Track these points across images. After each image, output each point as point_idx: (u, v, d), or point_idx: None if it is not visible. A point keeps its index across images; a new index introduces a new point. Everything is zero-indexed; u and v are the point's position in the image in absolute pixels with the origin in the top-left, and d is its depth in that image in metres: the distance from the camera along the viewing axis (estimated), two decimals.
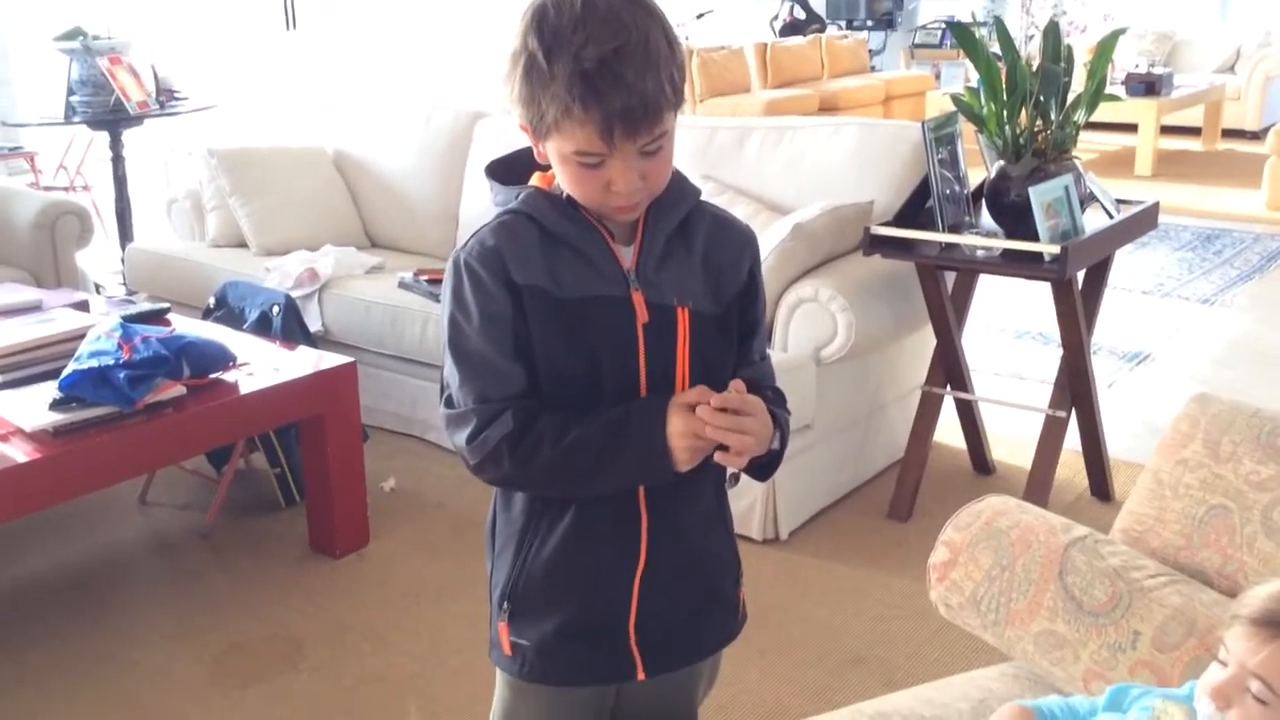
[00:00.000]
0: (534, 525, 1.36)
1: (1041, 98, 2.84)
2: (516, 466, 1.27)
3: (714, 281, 1.34)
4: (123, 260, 4.70)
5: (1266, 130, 7.56)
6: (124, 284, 4.74)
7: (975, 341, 4.13)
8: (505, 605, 1.40)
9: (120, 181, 5.14)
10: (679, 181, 1.33)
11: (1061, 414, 3.07)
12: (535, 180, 1.35)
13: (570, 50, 1.17)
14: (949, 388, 3.22)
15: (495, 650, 1.44)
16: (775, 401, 1.39)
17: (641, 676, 1.39)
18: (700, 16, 9.87)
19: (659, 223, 1.31)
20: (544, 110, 1.20)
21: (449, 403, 1.32)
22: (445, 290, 1.32)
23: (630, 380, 1.29)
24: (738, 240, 1.39)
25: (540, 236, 1.29)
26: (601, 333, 1.28)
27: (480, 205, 4.15)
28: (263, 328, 3.30)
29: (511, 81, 1.23)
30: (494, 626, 1.43)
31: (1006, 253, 2.84)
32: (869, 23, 11.54)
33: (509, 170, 1.38)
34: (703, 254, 1.35)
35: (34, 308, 3.23)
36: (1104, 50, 2.94)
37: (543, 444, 1.26)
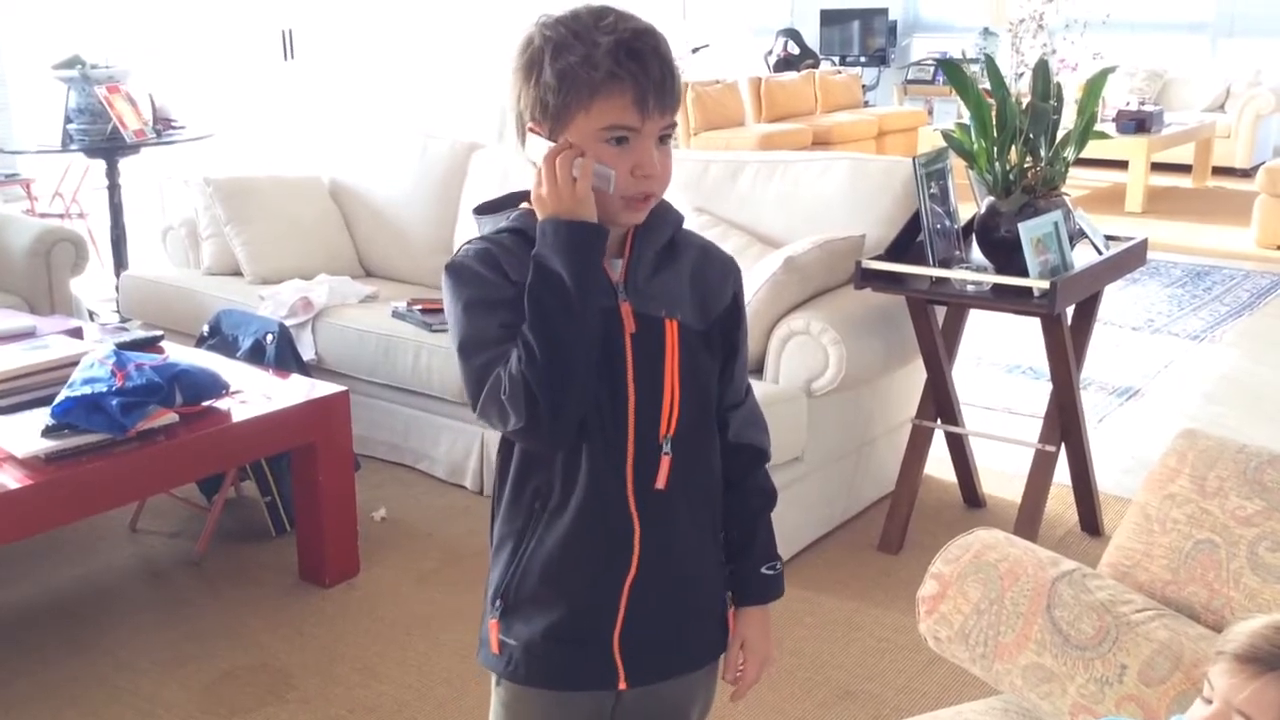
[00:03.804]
0: (533, 525, 1.37)
1: (1031, 134, 2.87)
2: (535, 380, 1.24)
3: (700, 299, 1.38)
4: (117, 288, 4.71)
5: (1256, 168, 7.63)
6: (118, 311, 4.74)
7: (965, 375, 4.15)
8: (498, 603, 1.40)
9: (116, 209, 5.15)
10: (664, 205, 1.37)
11: (1051, 448, 3.08)
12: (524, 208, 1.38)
13: (603, 28, 1.24)
14: (939, 421, 3.23)
15: (484, 649, 1.44)
16: (761, 506, 1.47)
17: (623, 686, 1.39)
18: (696, 51, 9.95)
19: (647, 238, 1.35)
20: (580, 83, 1.24)
21: (474, 404, 1.31)
22: (445, 300, 1.34)
23: (619, 388, 1.32)
24: (722, 265, 1.44)
25: (527, 252, 1.30)
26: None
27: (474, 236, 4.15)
28: (256, 356, 3.30)
29: (537, 68, 1.26)
30: (485, 624, 1.43)
31: (996, 287, 2.86)
32: (862, 58, 11.63)
33: (497, 211, 1.41)
34: (690, 274, 1.39)
35: (28, 334, 3.24)
36: (1094, 88, 2.97)
37: (528, 348, 1.24)
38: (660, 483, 1.34)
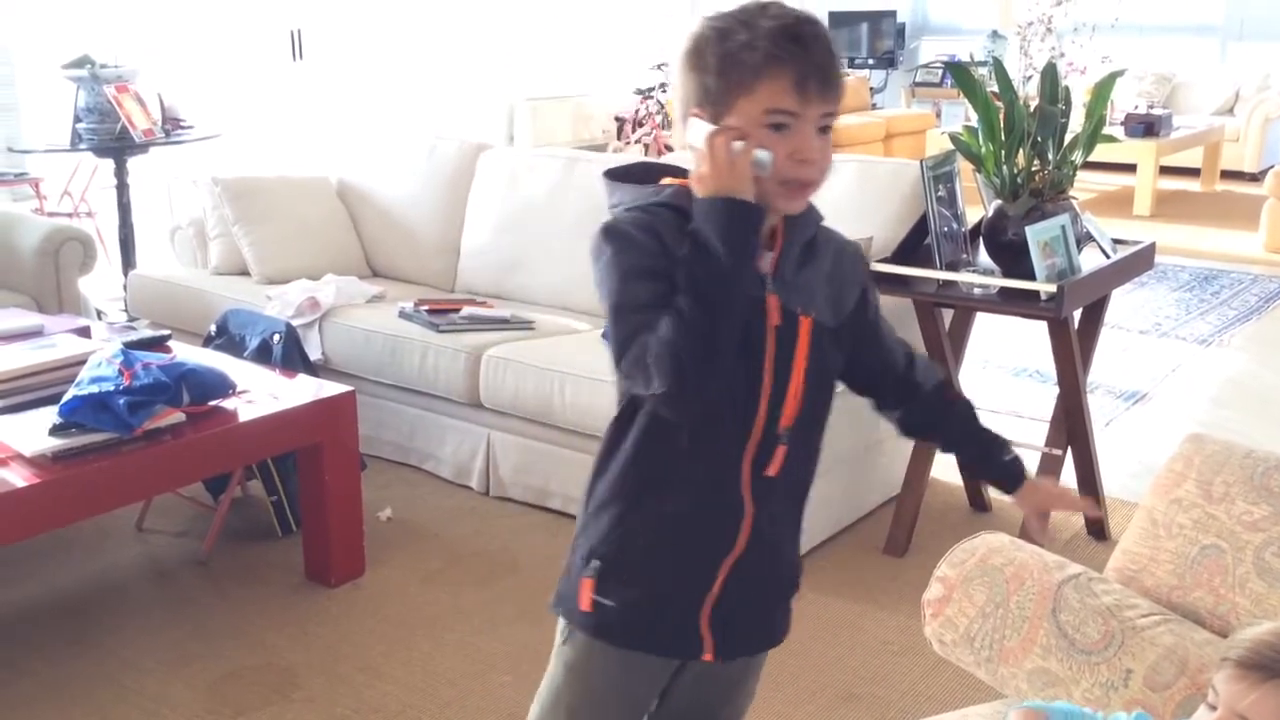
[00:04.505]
0: (646, 494, 1.40)
1: (1039, 138, 2.87)
2: (683, 348, 1.25)
3: (834, 296, 1.43)
4: (125, 287, 4.72)
5: (1265, 172, 7.61)
6: (126, 310, 4.75)
7: (972, 378, 4.15)
8: (594, 563, 1.42)
9: (124, 208, 5.16)
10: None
11: (1058, 452, 3.07)
12: (668, 182, 1.39)
13: (767, 15, 1.28)
14: None
15: (565, 604, 1.47)
16: (974, 413, 1.58)
17: (708, 657, 1.45)
18: None
19: (795, 233, 1.38)
20: (742, 65, 1.27)
21: (617, 364, 1.32)
22: (597, 259, 1.33)
23: (755, 377, 1.35)
24: (853, 262, 1.49)
25: (683, 229, 1.31)
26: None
27: (482, 237, 4.17)
28: (263, 356, 3.31)
29: (701, 55, 1.30)
30: (572, 580, 1.46)
31: (1003, 291, 2.86)
32: (870, 61, 11.62)
33: (627, 178, 1.42)
34: (828, 271, 1.42)
35: (36, 333, 3.24)
36: (1102, 92, 2.97)
37: (679, 316, 1.25)
38: (773, 470, 1.39)
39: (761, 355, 1.35)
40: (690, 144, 1.33)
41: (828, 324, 1.40)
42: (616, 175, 1.42)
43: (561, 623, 1.50)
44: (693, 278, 1.26)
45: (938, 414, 1.58)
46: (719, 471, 1.38)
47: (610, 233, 1.33)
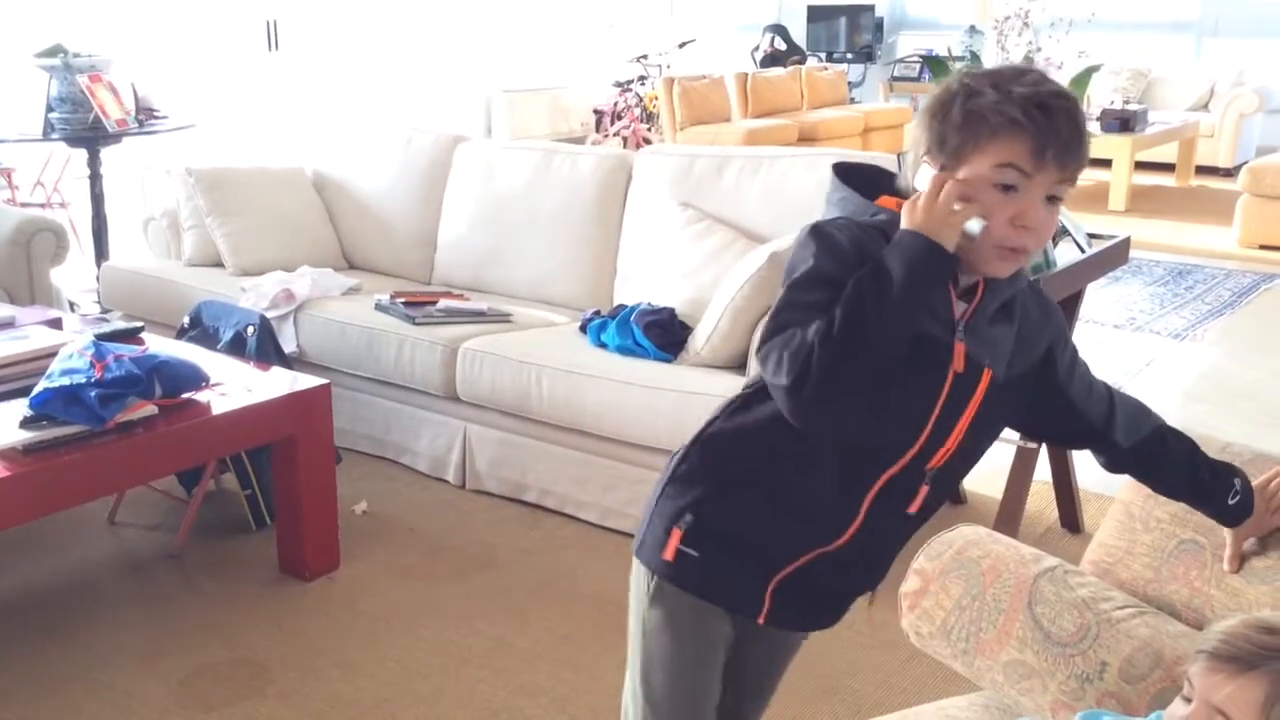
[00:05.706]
0: (765, 475, 1.43)
1: None
2: (819, 353, 1.26)
3: (1018, 354, 1.44)
4: (98, 278, 4.68)
5: (1239, 168, 7.66)
6: (98, 302, 4.71)
7: None
8: (688, 518, 1.47)
9: (97, 199, 5.12)
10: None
11: (1032, 445, 3.08)
12: (884, 203, 1.40)
13: (1023, 82, 1.29)
14: None
15: (648, 549, 1.52)
16: (1197, 457, 1.55)
17: (761, 621, 1.50)
18: (682, 45, 9.94)
19: (997, 291, 1.39)
20: (984, 122, 1.28)
21: (761, 345, 1.34)
22: (796, 253, 1.36)
23: (915, 422, 1.37)
24: (1044, 314, 1.50)
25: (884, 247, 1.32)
26: (912, 368, 1.33)
27: (459, 230, 4.16)
28: (237, 348, 3.29)
29: (946, 108, 1.31)
30: (658, 527, 1.50)
31: None
32: (849, 55, 11.64)
33: (850, 177, 1.44)
34: (1018, 331, 1.44)
35: (7, 324, 3.21)
36: (1078, 87, 2.98)
37: (829, 325, 1.26)
38: (914, 508, 1.43)
39: (934, 398, 1.36)
40: (918, 189, 1.34)
41: (999, 380, 1.41)
42: (845, 173, 1.44)
43: (641, 586, 1.53)
44: (860, 294, 1.26)
45: (1140, 470, 1.59)
46: (845, 484, 1.41)
47: (818, 233, 1.35)
